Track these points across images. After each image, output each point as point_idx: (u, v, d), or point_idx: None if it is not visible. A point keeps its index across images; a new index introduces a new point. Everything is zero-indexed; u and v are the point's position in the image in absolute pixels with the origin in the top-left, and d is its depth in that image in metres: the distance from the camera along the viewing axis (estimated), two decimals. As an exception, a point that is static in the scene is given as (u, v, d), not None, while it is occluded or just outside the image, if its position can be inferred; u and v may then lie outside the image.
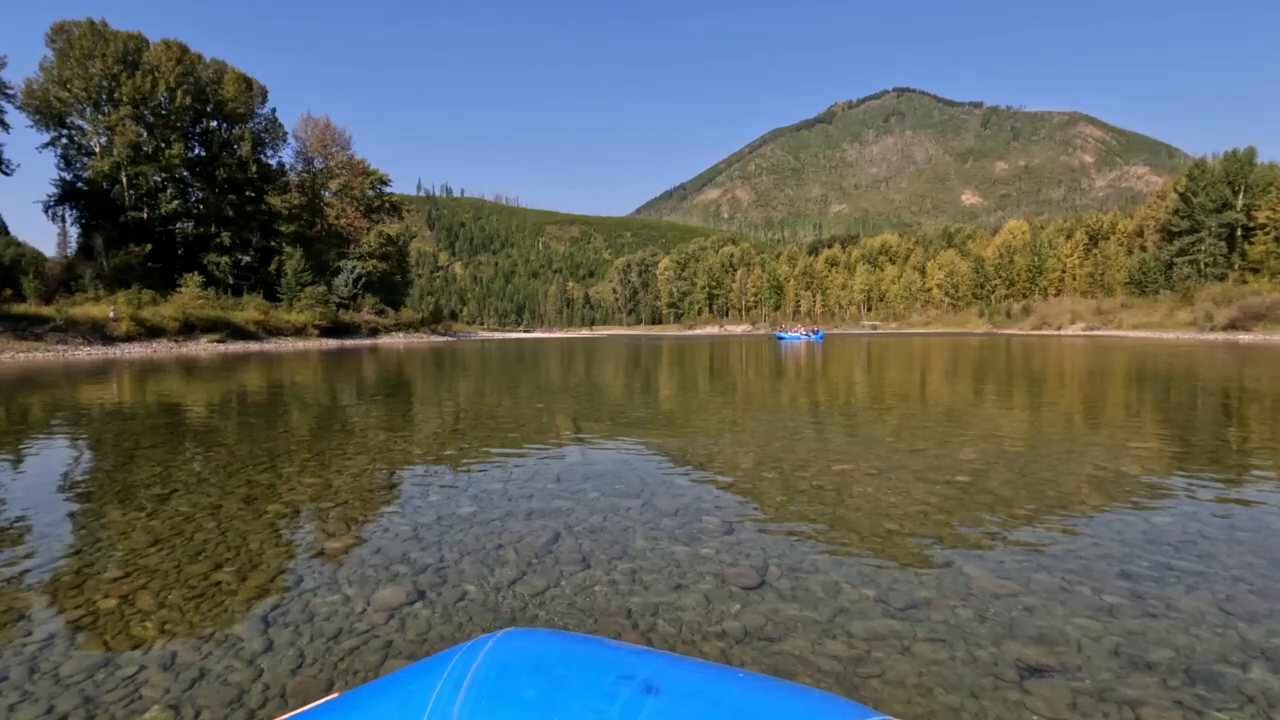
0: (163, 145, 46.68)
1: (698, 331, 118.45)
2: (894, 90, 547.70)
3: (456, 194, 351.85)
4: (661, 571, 2.89)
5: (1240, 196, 65.83)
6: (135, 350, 30.56)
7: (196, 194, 50.00)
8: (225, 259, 48.36)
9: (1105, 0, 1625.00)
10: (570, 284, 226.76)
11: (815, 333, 60.86)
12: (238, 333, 38.21)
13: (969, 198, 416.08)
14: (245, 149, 49.48)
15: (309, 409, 9.52)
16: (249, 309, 41.96)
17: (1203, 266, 66.41)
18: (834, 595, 2.59)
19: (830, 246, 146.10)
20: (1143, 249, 76.18)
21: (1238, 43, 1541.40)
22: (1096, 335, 48.48)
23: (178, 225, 48.95)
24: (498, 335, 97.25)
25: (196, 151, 50.42)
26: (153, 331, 33.56)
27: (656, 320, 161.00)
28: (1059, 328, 64.91)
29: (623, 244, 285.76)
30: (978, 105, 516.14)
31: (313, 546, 3.30)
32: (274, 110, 53.87)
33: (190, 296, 38.92)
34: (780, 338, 55.49)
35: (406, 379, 16.13)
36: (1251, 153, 68.22)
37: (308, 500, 4.16)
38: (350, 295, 56.17)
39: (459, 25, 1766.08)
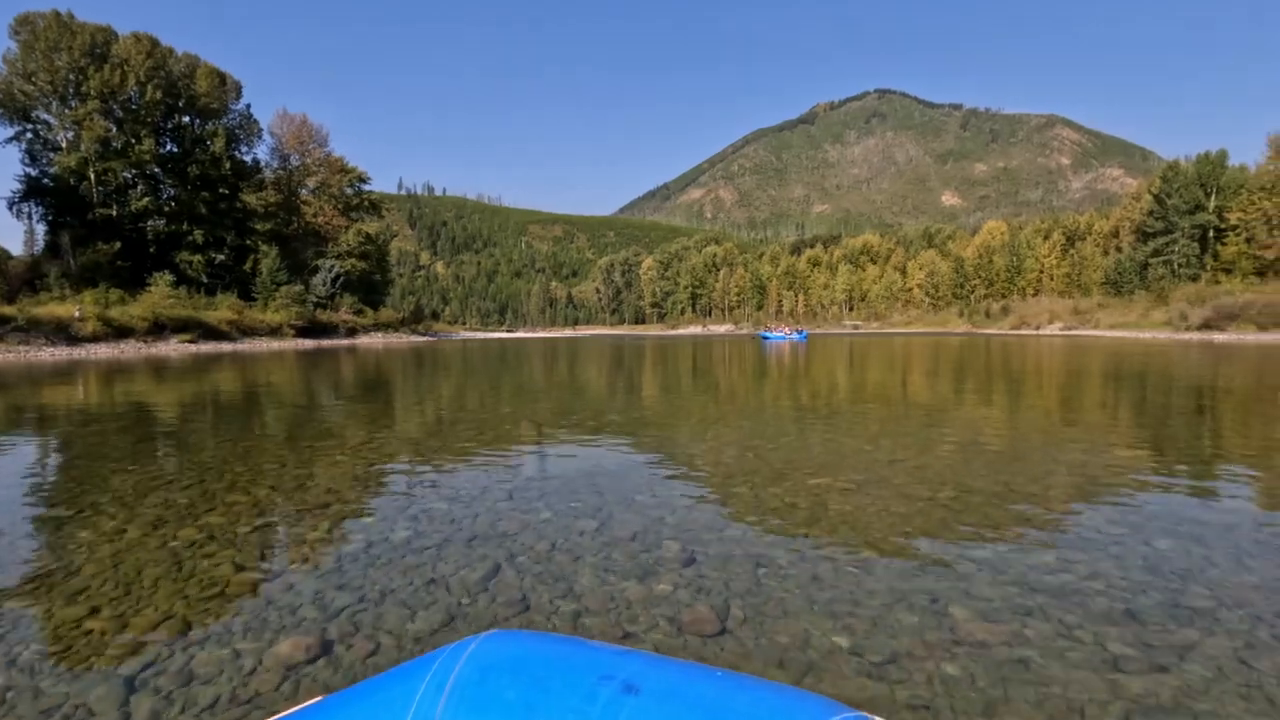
0: (132, 141, 45.47)
1: (681, 331, 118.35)
2: (875, 91, 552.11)
3: (439, 193, 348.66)
4: (609, 615, 2.53)
5: (1212, 198, 66.84)
6: (102, 351, 29.63)
7: (168, 191, 48.82)
8: (198, 257, 47.21)
9: (1082, 4, 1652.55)
10: (553, 284, 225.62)
11: (799, 332, 61.94)
12: (210, 333, 37.28)
13: (949, 198, 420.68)
14: (219, 145, 48.36)
15: (260, 415, 9.05)
16: (222, 309, 41.00)
17: (1176, 267, 67.40)
18: (803, 646, 2.25)
19: (812, 246, 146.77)
20: (1118, 249, 77.21)
21: (1210, 48, 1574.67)
22: (1074, 335, 48.91)
23: (149, 223, 47.75)
24: (479, 335, 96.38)
25: (168, 148, 49.21)
26: (120, 332, 32.60)
27: (640, 320, 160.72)
28: (1037, 327, 65.51)
29: (606, 244, 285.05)
30: (957, 107, 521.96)
31: (215, 582, 2.89)
32: (249, 106, 52.73)
33: (160, 296, 37.89)
34: (765, 337, 55.88)
35: (377, 381, 15.64)
36: (1223, 155, 69.30)
37: (226, 524, 3.74)
38: (328, 295, 55.22)
39: (441, 25, 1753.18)
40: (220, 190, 49.21)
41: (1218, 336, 33.58)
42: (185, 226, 47.19)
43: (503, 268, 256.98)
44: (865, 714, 0.88)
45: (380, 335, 54.50)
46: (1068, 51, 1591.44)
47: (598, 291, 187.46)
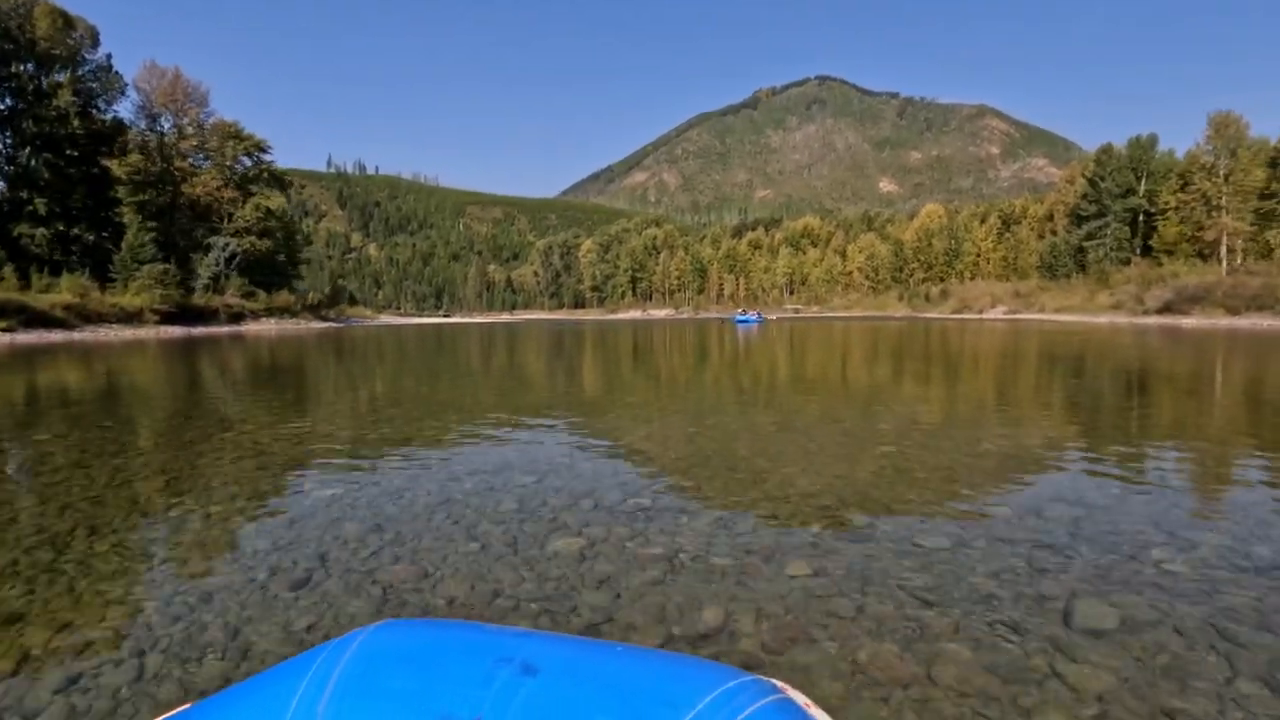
0: (-50, 90, 38.11)
1: (620, 315, 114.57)
2: (816, 78, 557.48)
3: (370, 171, 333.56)
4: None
5: (1143, 182, 67.15)
6: None
7: (4, 152, 41.44)
8: (42, 231, 40.18)
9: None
10: (492, 267, 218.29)
11: (758, 315, 64.93)
12: (39, 320, 31.02)
13: (886, 185, 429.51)
14: (65, 98, 41.14)
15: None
16: (63, 291, 34.57)
17: (1108, 250, 67.49)
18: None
19: (754, 229, 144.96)
20: (1053, 233, 77.36)
21: (1127, 44, 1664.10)
22: (1021, 319, 47.16)
23: (-20, 190, 40.55)
24: (401, 320, 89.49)
25: (4, 101, 41.71)
26: (-94, 319, 26.37)
27: (579, 304, 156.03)
28: (980, 311, 64.20)
29: (548, 226, 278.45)
30: (894, 95, 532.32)
31: None
32: (110, 57, 45.31)
33: (-31, 275, 31.33)
34: (738, 321, 54.24)
35: (228, 382, 11.08)
36: (1153, 139, 69.71)
37: None
38: (213, 276, 49.00)
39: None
40: (69, 153, 42.02)
41: (1185, 321, 31.27)
42: (25, 194, 40.05)
43: (439, 250, 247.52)
44: (765, 678, 0.87)
45: (273, 322, 48.47)
46: (998, 44, 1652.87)
47: (536, 275, 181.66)
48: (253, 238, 56.80)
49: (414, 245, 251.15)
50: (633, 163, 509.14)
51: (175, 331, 36.76)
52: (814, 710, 0.89)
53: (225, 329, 41.85)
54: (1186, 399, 7.92)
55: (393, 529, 3.17)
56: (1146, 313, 36.21)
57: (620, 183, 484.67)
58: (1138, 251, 66.54)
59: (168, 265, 42.09)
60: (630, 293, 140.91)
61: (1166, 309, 34.69)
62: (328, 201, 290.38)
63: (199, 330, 39.10)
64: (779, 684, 0.87)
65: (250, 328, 45.01)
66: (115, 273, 39.91)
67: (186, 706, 0.95)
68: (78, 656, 2.00)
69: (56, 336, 29.81)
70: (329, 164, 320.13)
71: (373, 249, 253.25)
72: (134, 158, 46.69)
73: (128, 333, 34.07)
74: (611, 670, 0.86)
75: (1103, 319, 37.28)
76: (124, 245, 40.37)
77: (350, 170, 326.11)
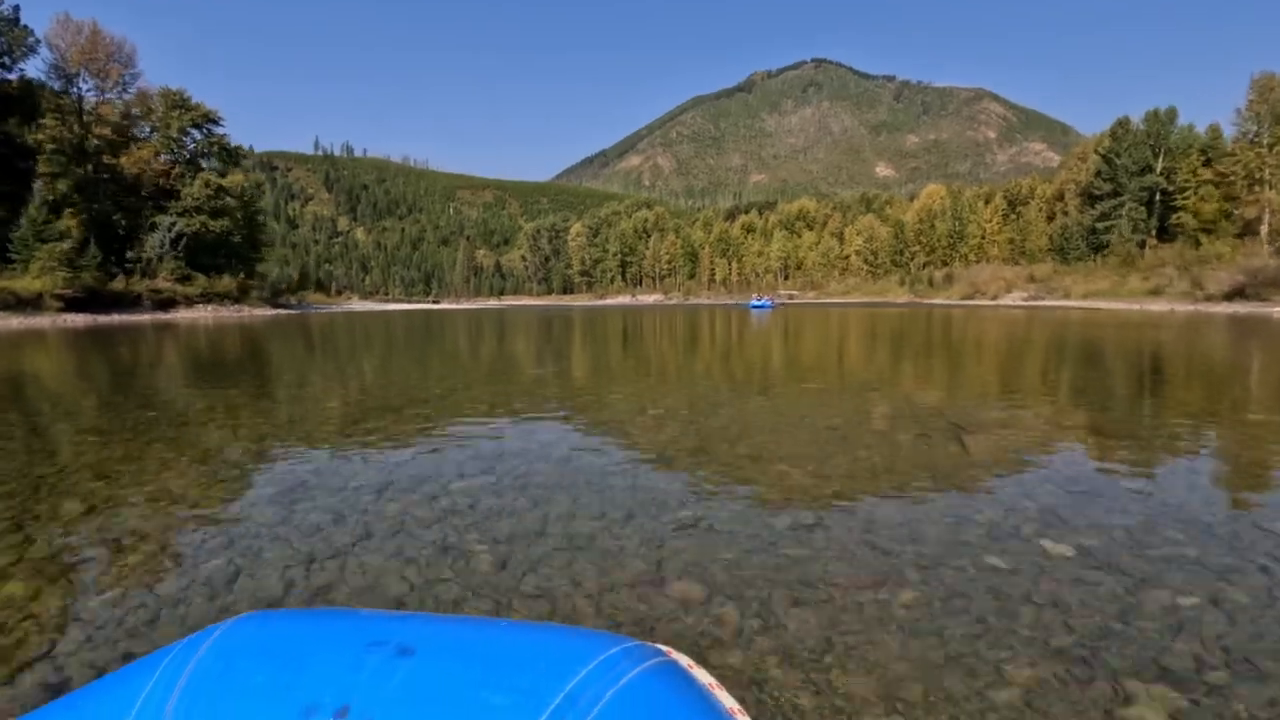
0: None
1: (609, 301, 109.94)
2: (812, 61, 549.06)
3: (359, 154, 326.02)
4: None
5: (1160, 159, 62.56)
6: None
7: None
8: (-70, 205, 35.26)
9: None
10: (481, 251, 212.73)
11: (768, 300, 63.73)
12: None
13: (882, 169, 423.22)
14: (-42, 53, 36.08)
15: None
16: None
17: (1124, 231, 62.94)
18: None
19: (747, 212, 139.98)
20: (1064, 214, 72.74)
21: (1127, 26, 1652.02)
22: (1046, 306, 42.19)
23: None
24: (376, 306, 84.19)
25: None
26: None
27: (568, 289, 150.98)
28: (994, 297, 59.19)
29: (539, 210, 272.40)
30: (890, 79, 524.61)
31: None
32: (16, 9, 40.04)
33: None
34: (753, 306, 53.44)
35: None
36: (1173, 113, 64.89)
37: None
38: (149, 258, 44.48)
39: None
40: (-38, 115, 37.00)
41: (1278, 310, 26.54)
42: (-91, 162, 35.06)
43: (429, 235, 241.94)
44: (649, 643, 0.87)
45: (210, 309, 43.66)
46: (996, 26, 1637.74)
47: (524, 259, 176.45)
48: (204, 217, 52.05)
49: (403, 229, 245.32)
50: (627, 147, 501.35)
51: (79, 320, 32.00)
52: (697, 671, 0.89)
53: (149, 317, 37.10)
54: None
55: None
56: (1210, 299, 31.31)
57: (614, 167, 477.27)
58: (1153, 233, 62.10)
59: (83, 245, 37.27)
60: (620, 277, 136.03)
61: (1238, 294, 29.80)
62: (314, 184, 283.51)
63: (115, 319, 34.33)
64: (663, 648, 0.88)
65: (183, 315, 40.25)
66: (15, 253, 35.00)
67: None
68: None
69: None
70: (316, 146, 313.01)
71: (360, 233, 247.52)
72: (48, 123, 41.53)
73: (15, 321, 29.28)
74: (492, 646, 0.83)
75: (1154, 306, 32.26)
76: (24, 221, 35.41)
77: (338, 153, 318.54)
